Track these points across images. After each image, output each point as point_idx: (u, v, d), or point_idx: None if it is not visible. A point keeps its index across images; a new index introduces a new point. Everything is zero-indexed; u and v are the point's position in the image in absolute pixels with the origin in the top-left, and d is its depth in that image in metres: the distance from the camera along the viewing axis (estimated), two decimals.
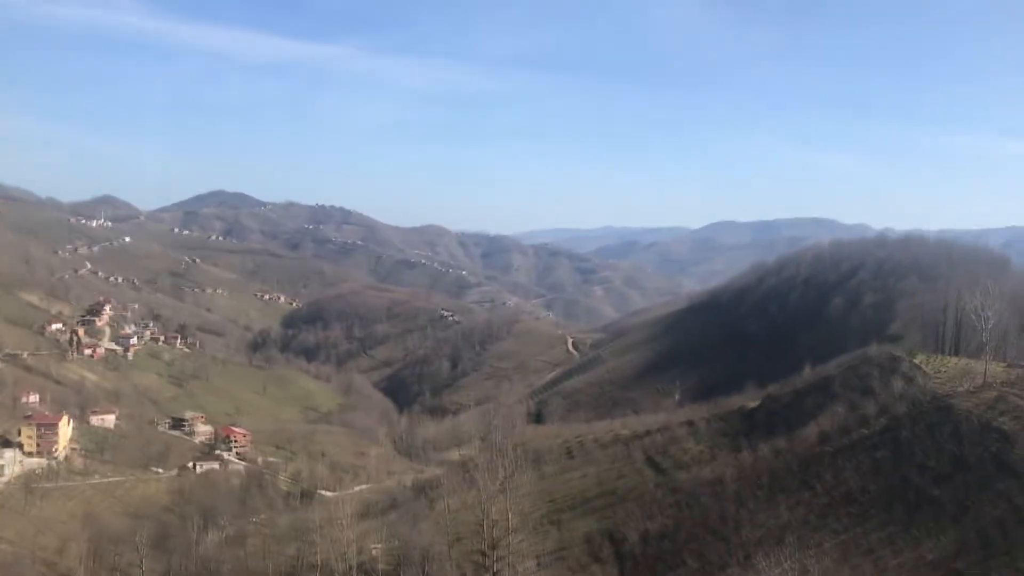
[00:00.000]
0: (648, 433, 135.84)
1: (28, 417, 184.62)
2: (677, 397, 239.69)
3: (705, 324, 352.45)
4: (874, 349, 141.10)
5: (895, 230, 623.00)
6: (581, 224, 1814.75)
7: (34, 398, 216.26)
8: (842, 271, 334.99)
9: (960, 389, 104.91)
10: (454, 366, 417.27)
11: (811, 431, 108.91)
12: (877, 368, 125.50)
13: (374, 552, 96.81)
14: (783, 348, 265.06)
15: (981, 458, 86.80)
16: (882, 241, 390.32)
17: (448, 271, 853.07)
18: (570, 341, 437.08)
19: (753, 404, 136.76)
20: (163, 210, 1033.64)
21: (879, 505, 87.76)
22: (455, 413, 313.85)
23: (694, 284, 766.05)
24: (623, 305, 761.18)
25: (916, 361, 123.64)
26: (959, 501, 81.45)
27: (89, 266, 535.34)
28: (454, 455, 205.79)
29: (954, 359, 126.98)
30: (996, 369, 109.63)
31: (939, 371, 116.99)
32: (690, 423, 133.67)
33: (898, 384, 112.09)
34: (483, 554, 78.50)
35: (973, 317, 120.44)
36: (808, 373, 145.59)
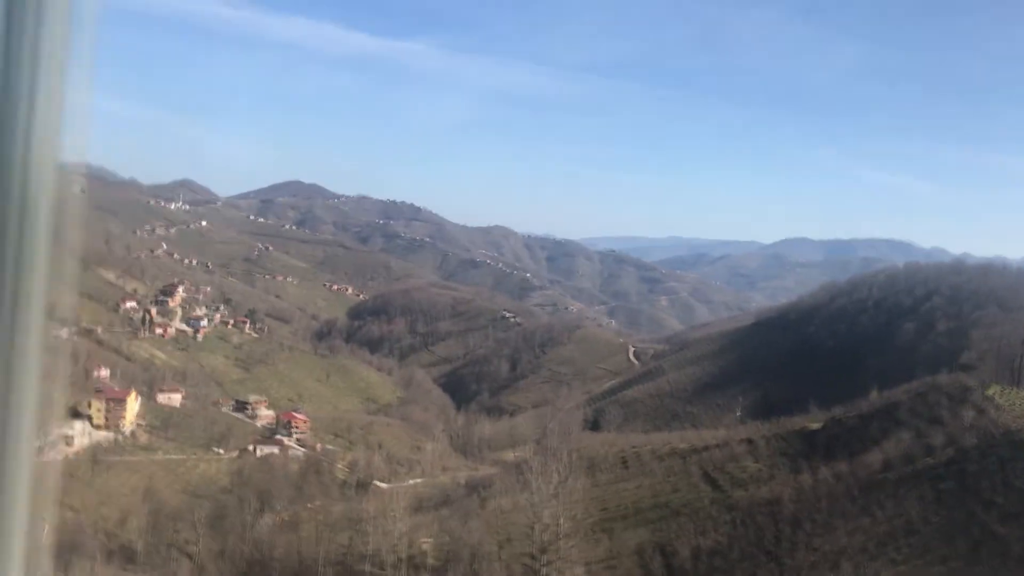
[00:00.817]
0: (706, 448, 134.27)
1: (98, 391, 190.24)
2: (738, 414, 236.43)
3: (771, 341, 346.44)
4: (944, 377, 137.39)
5: (973, 256, 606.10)
6: (648, 233, 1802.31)
7: (105, 373, 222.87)
8: (916, 295, 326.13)
9: None
10: (513, 367, 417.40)
11: (874, 457, 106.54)
12: (946, 397, 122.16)
13: (424, 546, 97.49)
14: (850, 371, 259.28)
15: None
16: (959, 267, 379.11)
17: (512, 272, 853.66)
18: (631, 350, 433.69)
19: (816, 425, 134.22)
20: (240, 197, 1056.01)
21: (941, 538, 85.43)
22: (512, 414, 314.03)
23: (763, 300, 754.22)
24: (688, 317, 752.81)
25: (989, 392, 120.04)
26: None
27: (165, 247, 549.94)
28: (509, 456, 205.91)
29: None
30: None
31: (1013, 404, 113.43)
32: (750, 441, 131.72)
33: (968, 415, 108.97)
34: (532, 557, 78.47)
35: None
36: (875, 397, 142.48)
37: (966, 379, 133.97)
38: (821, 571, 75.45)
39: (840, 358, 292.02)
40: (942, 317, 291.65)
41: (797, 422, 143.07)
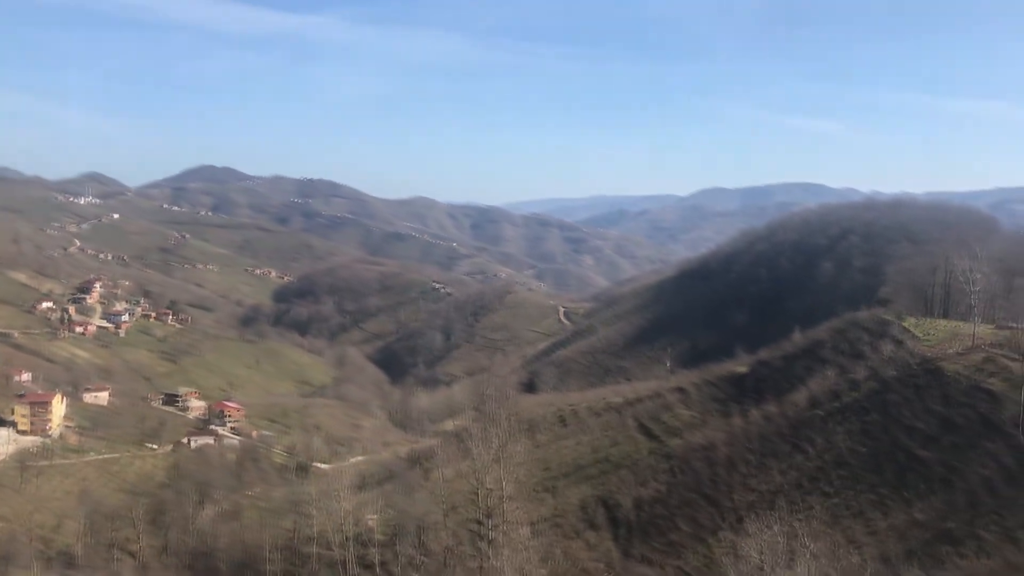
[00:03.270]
0: (640, 400, 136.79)
1: (21, 396, 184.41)
2: (668, 364, 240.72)
3: (695, 291, 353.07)
4: (863, 313, 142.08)
5: (883, 193, 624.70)
6: (571, 194, 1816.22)
7: (26, 376, 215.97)
8: (831, 235, 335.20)
9: (949, 351, 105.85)
10: (447, 338, 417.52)
11: (801, 395, 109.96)
12: (866, 332, 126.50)
13: (370, 523, 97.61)
14: (773, 314, 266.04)
15: (969, 419, 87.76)
16: (871, 205, 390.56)
17: (438, 243, 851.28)
18: (562, 311, 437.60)
19: (743, 370, 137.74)
20: (151, 186, 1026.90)
21: (869, 468, 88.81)
22: (448, 384, 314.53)
23: (684, 251, 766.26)
24: (614, 274, 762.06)
25: (905, 325, 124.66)
26: (948, 462, 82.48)
27: (78, 244, 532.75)
28: (448, 426, 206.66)
29: (943, 322, 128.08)
30: (984, 331, 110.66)
31: (928, 334, 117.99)
32: (681, 390, 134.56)
33: (887, 348, 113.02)
34: (478, 522, 79.15)
35: (961, 280, 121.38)
36: (798, 338, 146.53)
37: (884, 313, 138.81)
38: (758, 510, 77.81)
39: (763, 302, 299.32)
40: (857, 254, 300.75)
41: (725, 368, 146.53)
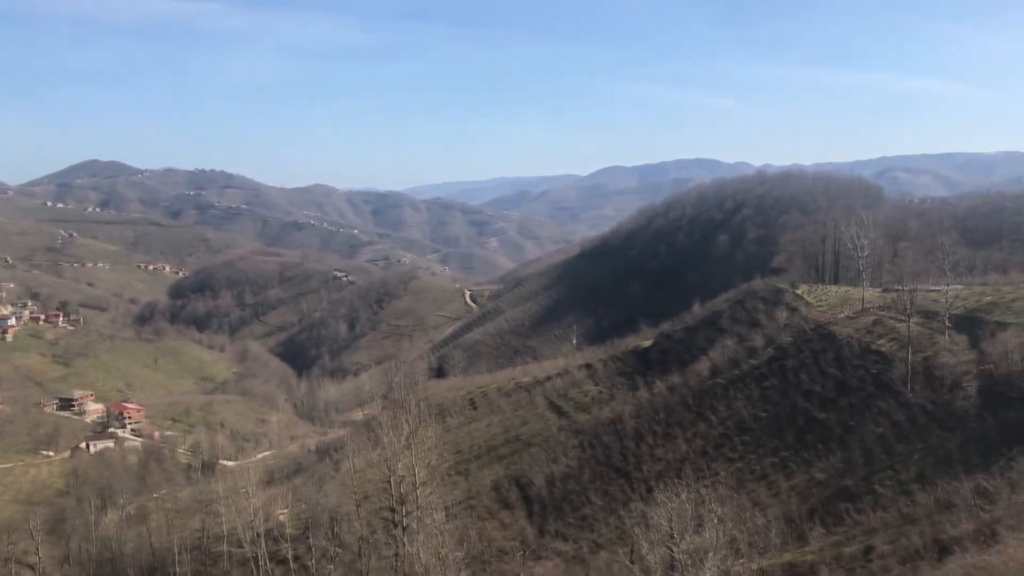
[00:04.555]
0: (548, 379, 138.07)
1: None
2: (575, 342, 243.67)
3: (598, 269, 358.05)
4: (758, 283, 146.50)
5: (774, 166, 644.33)
6: (473, 176, 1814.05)
7: None
8: (726, 208, 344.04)
9: (840, 316, 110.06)
10: (351, 327, 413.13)
11: (703, 365, 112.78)
12: (762, 301, 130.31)
13: (281, 518, 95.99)
14: (674, 287, 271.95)
15: (863, 380, 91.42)
16: (762, 178, 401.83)
17: (339, 231, 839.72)
18: (468, 294, 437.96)
19: (647, 343, 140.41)
20: (33, 183, 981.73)
21: (770, 432, 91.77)
22: (356, 374, 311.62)
23: (586, 230, 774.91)
24: (518, 255, 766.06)
25: (798, 292, 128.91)
26: (844, 422, 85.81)
27: None
28: (357, 415, 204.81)
29: (834, 287, 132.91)
30: (872, 294, 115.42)
31: (820, 300, 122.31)
32: (588, 366, 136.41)
33: (782, 315, 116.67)
34: (391, 510, 78.60)
35: (850, 246, 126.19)
36: (698, 310, 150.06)
37: (778, 282, 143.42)
38: (666, 479, 79.66)
39: (663, 276, 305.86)
40: (751, 226, 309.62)
41: (630, 342, 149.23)
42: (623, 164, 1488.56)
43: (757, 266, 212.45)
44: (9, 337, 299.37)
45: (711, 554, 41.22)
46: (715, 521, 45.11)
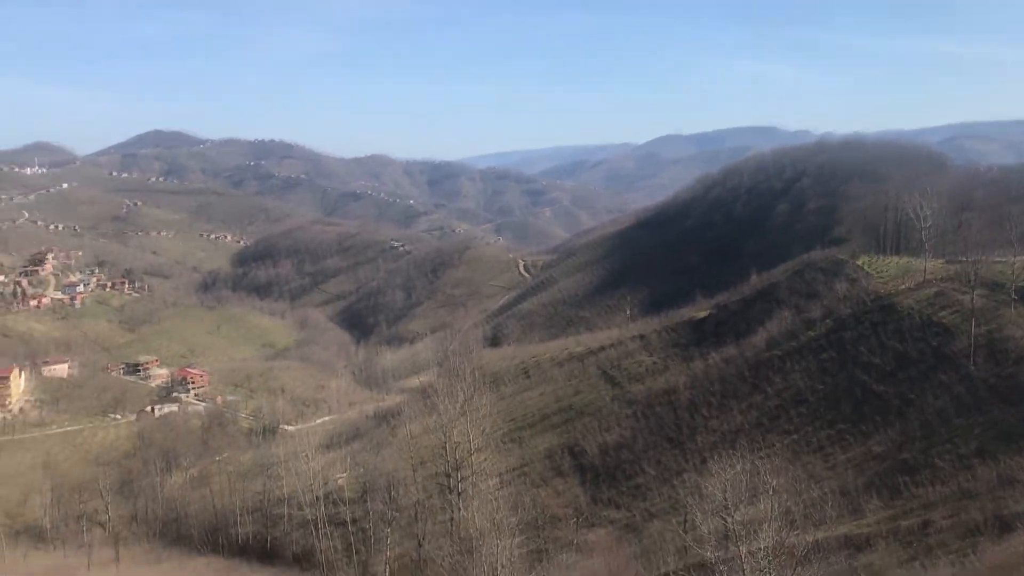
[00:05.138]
0: (602, 349, 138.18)
1: None
2: (629, 312, 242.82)
3: (653, 239, 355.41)
4: (818, 253, 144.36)
5: (835, 134, 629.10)
6: (529, 145, 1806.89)
7: None
8: (785, 178, 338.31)
9: (902, 287, 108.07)
10: (408, 296, 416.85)
11: (759, 337, 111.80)
12: (821, 272, 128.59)
13: (339, 481, 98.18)
14: (730, 258, 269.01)
15: (923, 353, 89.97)
16: (823, 146, 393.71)
17: (395, 201, 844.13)
18: (521, 264, 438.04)
19: (703, 314, 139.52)
20: (100, 154, 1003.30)
21: (827, 404, 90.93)
22: (412, 342, 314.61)
23: (641, 200, 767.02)
24: (572, 225, 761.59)
25: (859, 263, 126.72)
26: (903, 395, 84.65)
27: (27, 215, 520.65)
28: (413, 382, 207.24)
29: (895, 259, 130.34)
30: (935, 266, 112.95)
31: (881, 271, 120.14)
32: (642, 336, 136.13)
33: (842, 286, 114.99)
34: (447, 475, 79.99)
35: (912, 216, 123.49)
36: (755, 281, 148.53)
37: (838, 253, 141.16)
38: (721, 450, 79.41)
39: (719, 247, 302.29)
40: (811, 196, 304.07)
41: (685, 313, 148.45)
42: (680, 133, 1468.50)
43: (816, 237, 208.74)
44: (78, 303, 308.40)
45: (766, 525, 41.16)
46: (770, 492, 44.95)
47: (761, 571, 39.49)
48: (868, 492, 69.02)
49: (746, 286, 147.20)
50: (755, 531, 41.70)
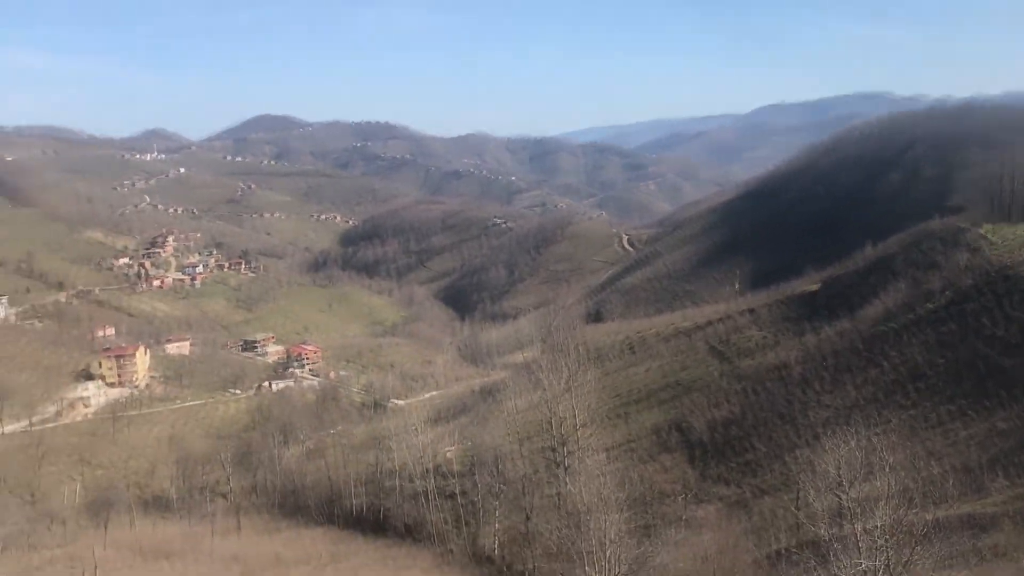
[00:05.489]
0: (710, 323, 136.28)
1: (106, 350, 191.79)
2: (737, 286, 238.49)
3: (760, 211, 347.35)
4: (936, 222, 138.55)
5: (954, 98, 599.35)
6: (629, 119, 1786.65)
7: (109, 331, 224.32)
8: (897, 145, 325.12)
9: None
10: (510, 272, 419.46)
11: (875, 310, 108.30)
12: (939, 241, 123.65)
13: (448, 454, 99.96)
14: (839, 230, 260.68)
15: None
16: (937, 111, 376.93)
17: (497, 178, 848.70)
18: (625, 238, 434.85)
19: (814, 287, 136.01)
20: (213, 138, 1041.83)
21: (947, 379, 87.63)
22: (515, 318, 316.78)
23: (746, 171, 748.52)
24: (676, 198, 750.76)
25: (982, 231, 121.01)
26: None
27: (148, 200, 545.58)
28: (517, 358, 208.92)
29: (1020, 227, 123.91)
30: None
31: (1005, 239, 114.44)
32: (751, 311, 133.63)
33: (962, 256, 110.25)
34: (553, 450, 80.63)
35: None
36: (868, 252, 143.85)
37: (958, 221, 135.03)
38: (834, 426, 77.48)
39: (828, 218, 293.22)
40: (925, 164, 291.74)
41: (795, 286, 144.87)
42: (785, 101, 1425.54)
43: (930, 206, 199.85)
44: (198, 284, 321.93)
45: (882, 503, 40.07)
46: (886, 469, 43.72)
47: (877, 550, 38.54)
48: (992, 470, 66.40)
49: (859, 258, 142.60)
50: (871, 509, 40.70)
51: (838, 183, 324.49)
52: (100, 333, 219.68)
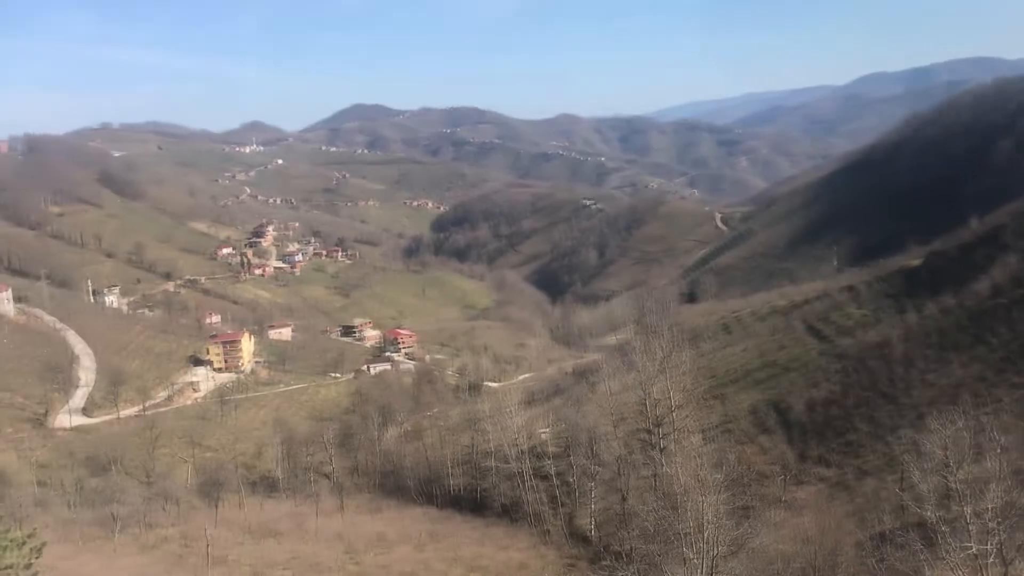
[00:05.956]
0: (807, 302, 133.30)
1: (213, 336, 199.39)
2: (835, 263, 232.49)
3: (859, 185, 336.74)
4: None
5: None
6: (720, 94, 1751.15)
7: (216, 318, 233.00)
8: (1008, 111, 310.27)
9: None
10: (601, 254, 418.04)
11: (982, 285, 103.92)
12: None
13: (543, 436, 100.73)
14: (945, 202, 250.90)
15: None
16: None
17: (586, 159, 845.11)
18: (718, 217, 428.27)
19: (916, 262, 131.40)
20: (308, 130, 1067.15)
21: None
22: (607, 299, 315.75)
23: (845, 144, 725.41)
24: (771, 174, 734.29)
25: None
26: None
27: (248, 191, 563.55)
28: (610, 340, 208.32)
29: None
30: None
31: None
32: (850, 288, 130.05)
33: None
34: (648, 431, 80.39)
35: None
36: (975, 224, 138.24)
37: None
38: (940, 406, 74.96)
39: (934, 190, 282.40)
40: None
41: (897, 262, 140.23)
42: (886, 70, 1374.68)
43: None
44: (297, 271, 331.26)
45: (992, 485, 38.79)
46: (997, 450, 42.30)
47: (989, 533, 37.44)
48: None
49: (965, 231, 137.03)
50: (981, 491, 39.45)
51: (945, 153, 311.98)
52: (207, 320, 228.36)
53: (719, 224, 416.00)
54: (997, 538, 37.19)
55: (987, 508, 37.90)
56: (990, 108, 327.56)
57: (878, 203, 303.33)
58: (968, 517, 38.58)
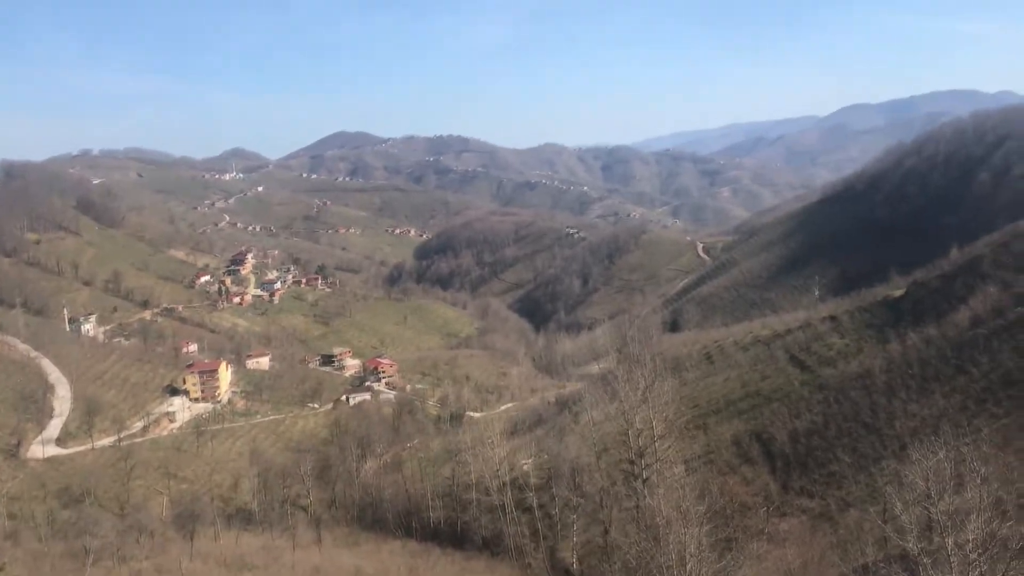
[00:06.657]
0: (789, 332, 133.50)
1: (190, 366, 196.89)
2: (817, 293, 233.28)
3: (841, 215, 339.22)
4: None
5: None
6: (702, 125, 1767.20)
7: (193, 347, 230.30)
8: (987, 143, 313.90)
9: None
10: (584, 282, 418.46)
11: (962, 315, 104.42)
12: None
13: (525, 467, 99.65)
14: (926, 232, 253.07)
15: None
16: None
17: (569, 188, 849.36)
18: (700, 246, 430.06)
19: (898, 293, 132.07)
20: (290, 157, 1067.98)
21: None
22: (590, 328, 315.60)
23: (827, 175, 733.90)
24: (753, 204, 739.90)
25: None
26: None
27: (227, 218, 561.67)
28: (593, 369, 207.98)
29: None
30: None
31: None
32: (833, 318, 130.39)
33: None
34: (631, 462, 79.65)
35: None
36: (955, 255, 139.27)
37: None
38: (922, 436, 74.77)
39: (914, 221, 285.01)
40: (1017, 162, 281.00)
41: (879, 292, 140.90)
42: (868, 102, 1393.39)
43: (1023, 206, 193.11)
44: (276, 300, 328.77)
45: (973, 515, 38.42)
46: (978, 481, 41.94)
47: (970, 564, 36.96)
48: None
49: (945, 261, 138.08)
50: (962, 522, 39.03)
51: (925, 184, 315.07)
52: (184, 349, 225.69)
53: (701, 254, 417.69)
54: (978, 570, 36.75)
55: (968, 540, 37.49)
56: (969, 140, 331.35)
57: (860, 233, 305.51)
58: (950, 548, 38.08)
